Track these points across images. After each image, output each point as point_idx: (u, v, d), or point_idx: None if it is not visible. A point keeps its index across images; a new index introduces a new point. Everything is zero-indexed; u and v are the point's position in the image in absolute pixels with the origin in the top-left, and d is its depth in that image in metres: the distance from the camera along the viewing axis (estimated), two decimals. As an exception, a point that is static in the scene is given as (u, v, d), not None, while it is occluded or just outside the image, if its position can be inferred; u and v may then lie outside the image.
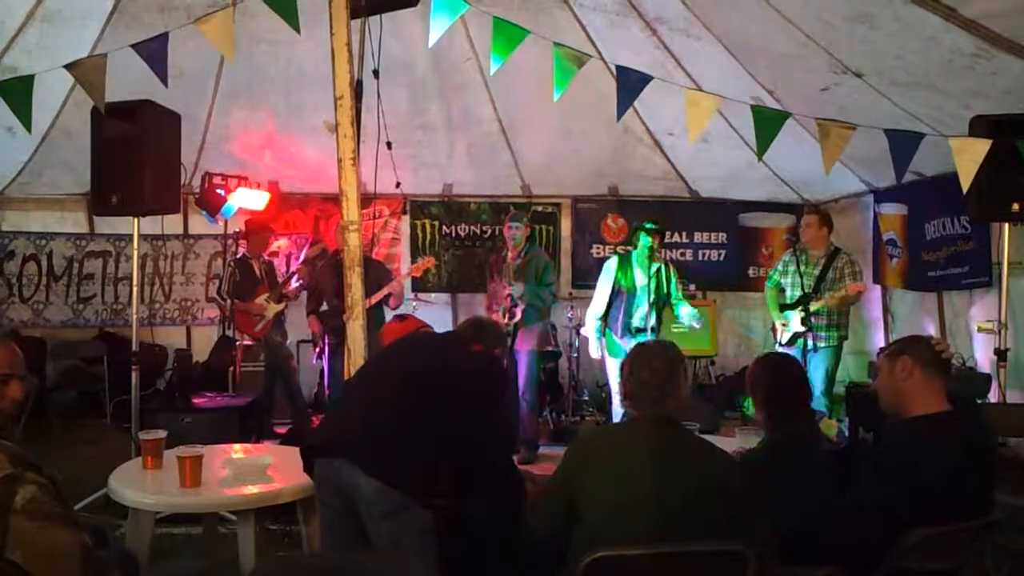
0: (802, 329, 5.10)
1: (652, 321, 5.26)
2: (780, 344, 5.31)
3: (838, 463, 2.61)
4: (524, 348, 5.54)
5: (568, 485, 2.17)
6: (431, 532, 2.35)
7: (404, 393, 2.49)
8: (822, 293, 5.07)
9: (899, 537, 2.08)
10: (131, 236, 5.01)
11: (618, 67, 3.31)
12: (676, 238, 7.51)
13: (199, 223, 7.02)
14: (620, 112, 3.31)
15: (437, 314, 7.21)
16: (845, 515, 2.22)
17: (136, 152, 4.20)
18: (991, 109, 3.81)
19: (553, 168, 7.10)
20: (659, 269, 5.34)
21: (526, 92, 5.64)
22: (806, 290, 5.10)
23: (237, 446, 3.69)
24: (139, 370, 4.67)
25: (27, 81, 3.34)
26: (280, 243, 7.12)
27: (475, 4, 3.25)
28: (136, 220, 4.67)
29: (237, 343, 6.06)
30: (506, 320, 5.41)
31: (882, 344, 5.93)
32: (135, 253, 4.74)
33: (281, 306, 6.03)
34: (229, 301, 5.81)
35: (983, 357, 4.94)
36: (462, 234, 7.59)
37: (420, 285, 7.29)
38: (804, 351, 5.03)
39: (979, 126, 3.65)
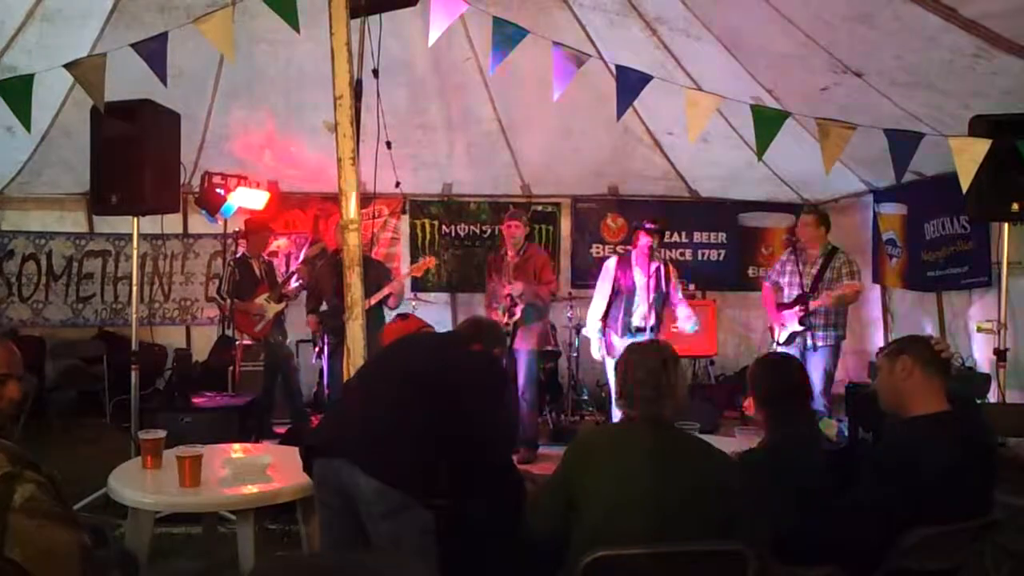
0: (799, 328, 5.11)
1: (652, 320, 5.26)
2: (777, 343, 5.32)
3: (838, 463, 2.61)
4: (524, 347, 5.54)
5: (567, 485, 2.17)
6: (431, 532, 2.34)
7: (404, 393, 2.49)
8: (819, 292, 5.08)
9: (899, 537, 2.08)
10: (131, 235, 5.01)
11: (618, 67, 3.31)
12: (676, 238, 7.52)
13: (199, 223, 7.02)
14: (620, 112, 3.31)
15: (437, 314, 7.22)
16: (845, 515, 2.22)
17: (136, 152, 4.20)
18: (991, 109, 3.81)
19: (553, 168, 7.10)
20: (658, 268, 5.35)
21: (526, 92, 5.64)
22: (805, 290, 5.11)
23: (237, 446, 3.69)
24: (139, 370, 4.67)
25: (27, 80, 3.34)
26: (280, 243, 7.12)
27: (475, 4, 3.25)
28: (136, 220, 4.67)
29: (237, 343, 6.05)
30: (506, 319, 5.41)
31: (882, 344, 5.93)
32: (135, 252, 4.74)
33: (281, 306, 6.02)
34: (229, 301, 5.81)
35: (983, 357, 4.94)
36: (462, 234, 7.59)
37: (420, 285, 7.30)
38: (804, 350, 5.04)
39: (979, 126, 3.65)
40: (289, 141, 6.49)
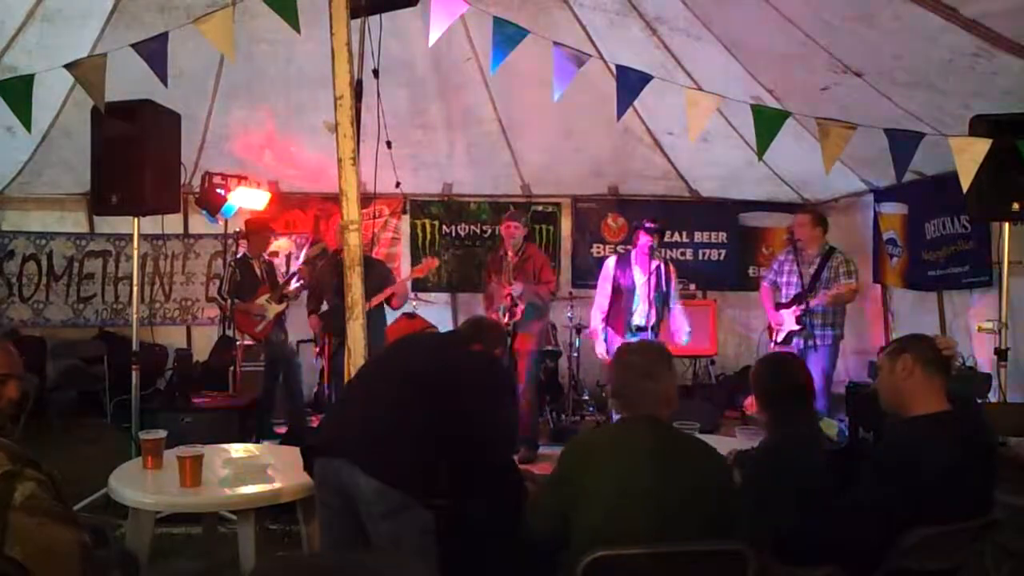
0: (797, 328, 5.12)
1: (653, 319, 5.27)
2: (775, 343, 5.33)
3: (838, 463, 2.61)
4: (524, 348, 5.54)
5: (566, 484, 2.17)
6: (431, 532, 2.35)
7: (404, 393, 2.49)
8: (817, 292, 5.08)
9: (899, 537, 2.08)
10: (131, 236, 5.01)
11: (618, 67, 3.31)
12: (676, 238, 7.52)
13: (199, 223, 7.02)
14: (620, 112, 3.31)
15: (437, 314, 7.23)
16: (845, 515, 2.22)
17: (136, 152, 4.20)
18: (991, 109, 3.80)
19: (553, 168, 7.10)
20: (659, 267, 5.36)
21: (526, 92, 5.64)
22: (803, 289, 5.11)
23: (237, 446, 3.69)
24: (139, 370, 4.66)
25: (27, 81, 3.34)
26: (280, 243, 7.12)
27: (475, 4, 3.25)
28: (136, 220, 4.67)
29: (237, 343, 6.06)
30: (506, 319, 5.42)
31: (882, 343, 5.93)
32: (135, 253, 4.74)
33: (282, 306, 6.02)
34: (230, 301, 5.81)
35: (983, 357, 4.94)
36: (462, 234, 7.59)
37: (420, 285, 7.30)
38: (802, 350, 5.04)
39: (979, 126, 3.65)
40: (289, 141, 6.49)
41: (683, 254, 7.56)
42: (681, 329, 5.40)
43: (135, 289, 4.80)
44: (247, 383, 6.05)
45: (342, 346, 3.98)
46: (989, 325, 4.29)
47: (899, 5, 3.57)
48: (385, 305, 5.72)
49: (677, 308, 5.45)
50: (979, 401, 4.10)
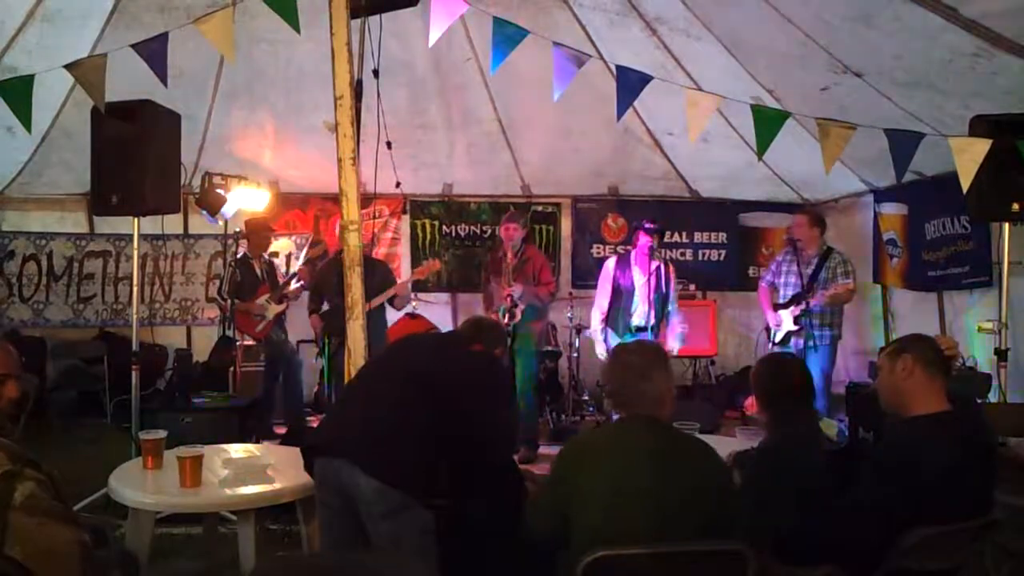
0: (795, 328, 5.12)
1: (653, 320, 5.27)
2: (773, 344, 5.33)
3: (838, 463, 2.61)
4: (524, 348, 5.54)
5: (562, 484, 2.17)
6: (431, 532, 2.35)
7: (405, 393, 2.49)
8: (814, 292, 5.09)
9: (899, 537, 2.08)
10: (131, 236, 5.01)
11: (618, 67, 3.31)
12: (676, 238, 7.52)
13: (199, 223, 7.01)
14: (620, 112, 3.31)
15: (437, 314, 7.23)
16: (845, 515, 2.22)
17: (136, 152, 4.19)
18: (991, 109, 3.81)
19: (553, 168, 7.10)
20: (658, 267, 5.36)
21: (526, 92, 5.64)
22: (801, 290, 5.12)
23: (237, 446, 3.69)
24: (139, 370, 4.66)
25: (27, 81, 3.34)
26: (280, 243, 7.12)
27: (475, 4, 3.25)
28: (136, 220, 4.66)
29: (237, 343, 6.05)
30: (506, 320, 5.42)
31: (882, 344, 5.94)
32: (135, 253, 4.73)
33: (282, 307, 6.03)
34: (230, 301, 5.81)
35: (983, 357, 4.94)
36: (462, 234, 7.59)
37: (421, 285, 7.29)
38: (801, 350, 5.04)
39: (979, 126, 3.65)
40: (289, 141, 6.49)
41: (683, 254, 7.56)
42: (672, 337, 5.40)
43: (135, 289, 4.80)
44: (247, 383, 6.04)
45: (342, 346, 3.98)
46: (989, 325, 4.29)
47: (899, 5, 3.57)
48: (387, 306, 5.73)
49: (674, 316, 5.45)
50: (979, 401, 4.10)
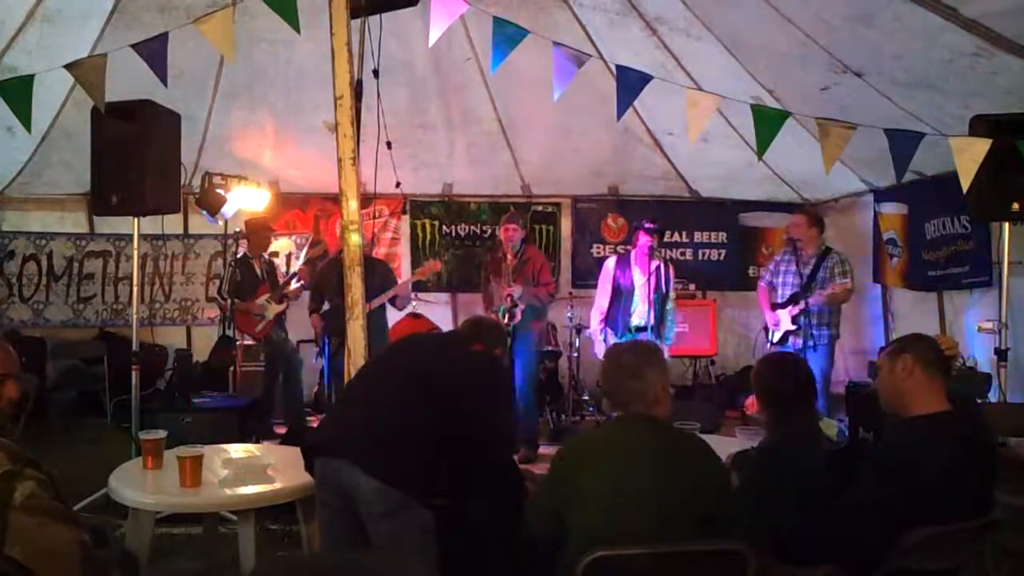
0: (793, 328, 5.12)
1: (652, 319, 5.27)
2: (772, 343, 5.34)
3: (838, 463, 2.61)
4: (523, 348, 5.54)
5: (560, 484, 2.17)
6: (431, 532, 2.35)
7: (405, 393, 2.49)
8: (812, 292, 5.09)
9: (899, 537, 2.08)
10: (131, 236, 5.01)
11: (618, 67, 3.31)
12: (676, 238, 7.52)
13: (199, 223, 7.01)
14: (620, 112, 3.31)
15: (437, 314, 7.23)
16: (845, 515, 2.22)
17: (136, 152, 4.19)
18: (991, 109, 3.81)
19: (553, 168, 7.10)
20: (658, 267, 5.36)
21: (526, 92, 5.64)
22: (800, 289, 5.13)
23: (237, 446, 3.69)
24: (139, 370, 4.66)
25: (27, 81, 3.34)
26: (281, 243, 7.13)
27: (475, 4, 3.25)
28: (136, 220, 4.67)
29: (237, 343, 6.05)
30: (506, 320, 5.42)
31: (882, 344, 5.94)
32: (135, 253, 4.74)
33: (282, 306, 6.03)
34: (230, 301, 5.81)
35: (983, 357, 4.94)
36: (462, 234, 7.59)
37: (421, 285, 7.28)
38: (801, 350, 5.04)
39: (979, 126, 3.65)
40: (289, 141, 6.49)
41: (683, 254, 7.56)
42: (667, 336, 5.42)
43: (135, 289, 4.80)
44: (247, 383, 6.04)
45: (342, 346, 3.98)
46: (989, 325, 4.29)
47: (899, 5, 3.57)
48: (388, 305, 5.73)
49: (669, 316, 5.45)
50: (979, 401, 4.10)
